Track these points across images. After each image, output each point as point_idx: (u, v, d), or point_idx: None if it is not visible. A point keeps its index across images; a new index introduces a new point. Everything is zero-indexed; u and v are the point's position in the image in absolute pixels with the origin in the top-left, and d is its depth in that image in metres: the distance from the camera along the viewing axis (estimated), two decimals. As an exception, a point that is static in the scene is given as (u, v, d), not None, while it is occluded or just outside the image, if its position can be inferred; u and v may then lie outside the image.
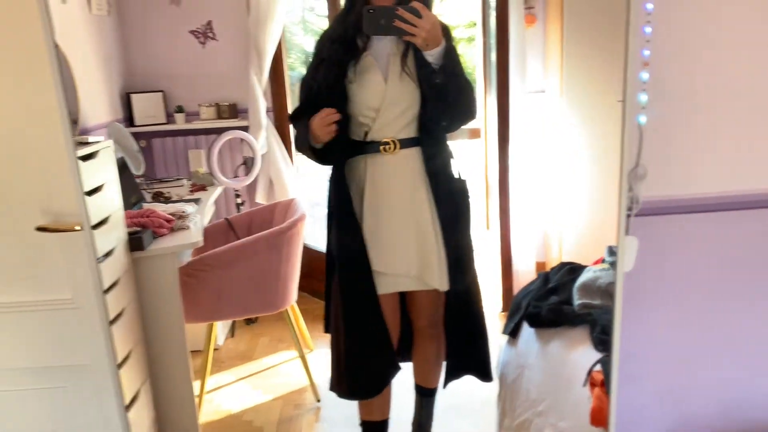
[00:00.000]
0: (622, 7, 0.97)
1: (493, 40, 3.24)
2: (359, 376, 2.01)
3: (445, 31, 1.78)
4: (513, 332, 2.09)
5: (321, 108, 1.78)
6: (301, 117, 1.89)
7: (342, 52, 1.84)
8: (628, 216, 1.07)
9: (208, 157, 3.25)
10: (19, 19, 1.31)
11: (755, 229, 1.15)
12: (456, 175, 1.97)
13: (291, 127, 2.06)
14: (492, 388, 2.24)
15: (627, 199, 1.05)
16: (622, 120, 0.97)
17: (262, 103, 3.44)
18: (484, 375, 2.06)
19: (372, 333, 1.93)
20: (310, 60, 1.97)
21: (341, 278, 1.93)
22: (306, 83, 1.94)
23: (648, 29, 1.00)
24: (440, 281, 1.89)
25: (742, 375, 1.23)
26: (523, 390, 1.87)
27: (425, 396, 2.24)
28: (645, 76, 1.02)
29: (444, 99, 1.77)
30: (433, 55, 1.73)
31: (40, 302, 1.50)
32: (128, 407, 1.99)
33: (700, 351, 1.20)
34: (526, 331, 2.00)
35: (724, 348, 1.21)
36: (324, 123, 1.77)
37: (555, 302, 1.91)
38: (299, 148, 1.97)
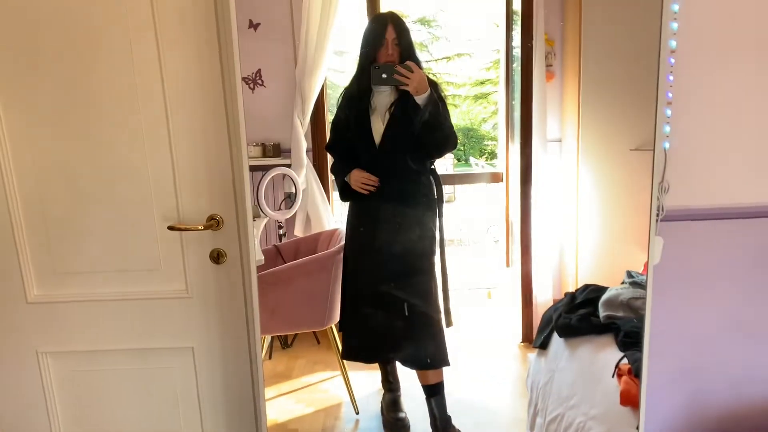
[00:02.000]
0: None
1: (517, 94, 3.60)
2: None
3: (434, 84, 2.44)
4: (543, 345, 2.35)
5: (349, 141, 2.59)
6: (334, 148, 2.71)
7: (357, 104, 2.53)
8: (656, 220, 1.37)
9: (256, 192, 3.56)
10: (212, 60, 1.65)
11: (758, 233, 1.46)
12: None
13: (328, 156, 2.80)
14: (518, 406, 2.51)
15: (656, 207, 1.35)
16: (653, 145, 1.29)
17: (303, 144, 3.78)
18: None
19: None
20: (337, 107, 2.67)
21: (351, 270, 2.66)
22: (335, 124, 2.68)
23: (671, 77, 1.32)
24: None
25: (748, 355, 1.50)
26: (555, 391, 2.12)
27: (431, 396, 2.65)
28: (668, 112, 1.34)
29: (430, 130, 2.39)
30: (421, 99, 2.37)
31: (160, 292, 1.79)
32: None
33: (713, 334, 1.48)
34: (556, 342, 2.27)
35: (733, 332, 1.48)
36: (359, 183, 2.53)
37: (582, 314, 2.19)
38: (334, 173, 2.71)
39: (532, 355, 2.53)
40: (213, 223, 1.72)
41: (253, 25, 3.84)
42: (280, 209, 3.80)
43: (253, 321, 1.82)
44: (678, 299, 1.46)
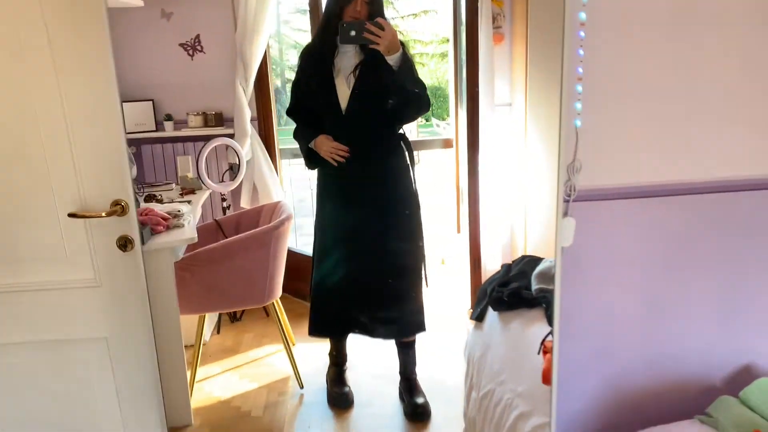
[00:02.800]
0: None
1: (464, 56, 3.51)
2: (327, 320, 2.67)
3: (403, 44, 2.26)
4: (479, 317, 2.33)
5: (312, 106, 2.46)
6: (296, 112, 2.56)
7: (320, 64, 2.36)
8: (567, 201, 1.33)
9: (196, 163, 3.45)
10: (88, 36, 1.53)
11: (669, 211, 1.42)
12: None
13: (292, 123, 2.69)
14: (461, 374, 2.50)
15: (566, 186, 1.30)
16: (560, 123, 1.23)
17: (247, 112, 3.65)
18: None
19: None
20: (297, 68, 2.53)
21: (328, 243, 2.54)
22: (295, 86, 2.53)
23: (581, 51, 1.26)
24: None
25: (664, 334, 1.49)
26: (488, 365, 2.11)
27: (406, 347, 2.71)
28: (579, 88, 1.28)
29: (403, 93, 2.26)
30: (393, 59, 2.21)
31: (67, 281, 1.71)
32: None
33: (628, 314, 1.46)
34: (491, 315, 2.25)
35: (649, 311, 1.46)
36: (330, 153, 2.40)
37: (515, 287, 2.17)
38: (297, 139, 2.57)
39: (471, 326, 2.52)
40: (117, 209, 1.63)
41: (190, -12, 3.66)
42: (222, 181, 3.70)
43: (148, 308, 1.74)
44: (594, 280, 1.43)
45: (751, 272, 1.49)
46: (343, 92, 2.36)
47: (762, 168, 1.43)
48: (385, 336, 2.68)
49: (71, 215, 1.60)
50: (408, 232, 2.54)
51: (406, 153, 2.50)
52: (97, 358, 1.79)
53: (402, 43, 2.25)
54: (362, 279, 2.53)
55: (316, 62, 2.39)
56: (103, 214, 1.61)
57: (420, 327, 2.64)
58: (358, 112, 2.37)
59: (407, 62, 2.25)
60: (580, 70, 1.28)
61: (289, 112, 2.60)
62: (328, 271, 2.57)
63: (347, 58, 2.36)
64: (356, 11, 2.25)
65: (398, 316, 2.60)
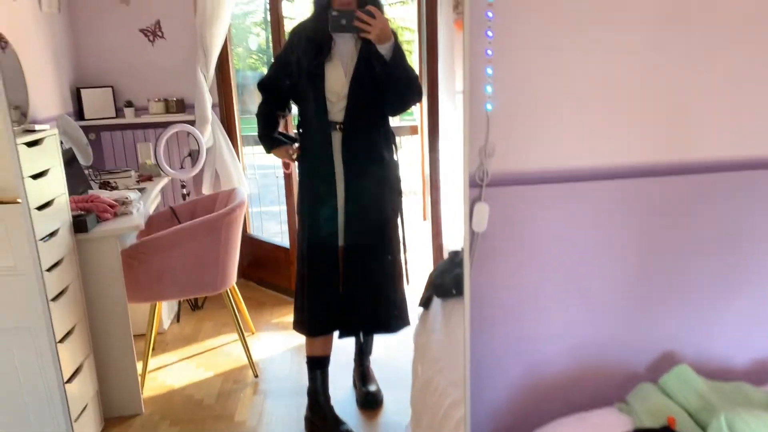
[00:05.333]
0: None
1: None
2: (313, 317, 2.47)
3: (394, 32, 2.18)
4: (426, 304, 2.31)
5: (295, 87, 2.33)
6: (269, 87, 2.45)
7: (312, 49, 2.25)
8: (480, 186, 1.31)
9: (155, 150, 3.41)
10: None
11: (588, 197, 1.40)
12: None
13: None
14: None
15: (479, 171, 1.28)
16: (464, 107, 1.20)
17: (208, 99, 3.61)
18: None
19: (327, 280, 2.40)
20: (285, 44, 2.44)
21: (311, 233, 2.39)
22: (280, 62, 2.43)
23: (490, 33, 1.23)
24: None
25: (585, 320, 1.47)
26: (429, 353, 2.10)
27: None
28: (489, 71, 1.25)
29: (395, 83, 2.20)
30: (384, 48, 2.15)
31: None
32: (70, 379, 2.16)
33: (547, 301, 1.44)
34: (436, 302, 2.23)
35: (567, 297, 1.45)
36: (284, 158, 2.49)
37: (458, 273, 2.15)
38: (258, 117, 2.49)
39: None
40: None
41: (149, -29, 3.60)
42: (182, 168, 3.66)
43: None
44: (511, 266, 1.41)
45: (669, 257, 1.47)
46: (338, 78, 2.26)
47: (679, 153, 1.41)
48: (371, 332, 2.63)
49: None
50: (393, 225, 2.49)
51: (393, 144, 2.43)
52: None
53: (393, 32, 2.19)
54: (348, 274, 2.41)
55: (310, 45, 2.27)
56: (19, 200, 1.57)
57: (405, 321, 2.55)
58: (354, 99, 2.26)
59: (399, 51, 2.19)
60: (489, 52, 1.25)
61: (261, 85, 2.47)
62: (309, 262, 2.42)
63: (344, 45, 2.26)
64: None
65: (384, 311, 2.51)
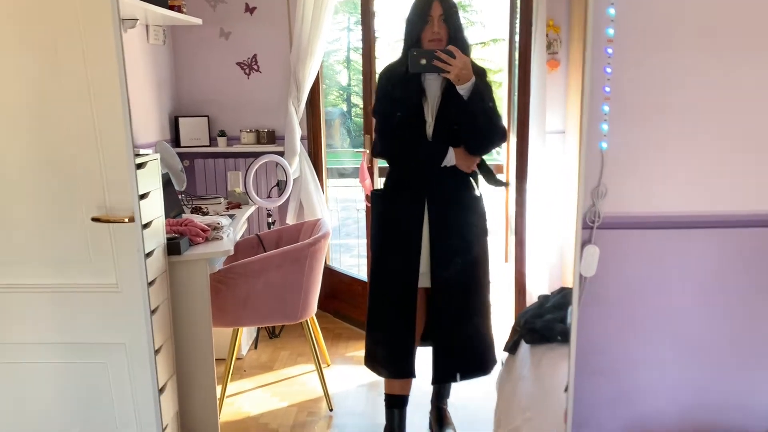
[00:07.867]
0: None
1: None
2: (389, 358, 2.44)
3: (481, 71, 2.19)
4: (512, 349, 2.23)
5: (400, 125, 2.25)
6: (384, 128, 2.34)
7: (403, 90, 2.25)
8: (591, 228, 1.24)
9: (245, 178, 3.50)
10: (98, 52, 1.59)
11: (715, 244, 1.31)
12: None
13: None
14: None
15: (590, 212, 1.22)
16: (579, 145, 1.15)
17: (297, 131, 3.69)
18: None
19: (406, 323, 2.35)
20: (377, 92, 2.41)
21: (392, 272, 2.36)
22: (381, 106, 2.35)
23: (609, 69, 1.18)
24: None
25: (699, 378, 1.36)
26: (516, 400, 2.01)
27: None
28: (606, 108, 1.20)
29: (473, 124, 2.18)
30: (464, 89, 2.14)
31: (90, 285, 1.73)
32: (159, 392, 2.19)
33: (656, 355, 1.34)
34: (524, 348, 2.14)
35: (678, 354, 1.35)
36: None
37: (549, 319, 2.06)
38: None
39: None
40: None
41: (249, 9, 3.76)
42: (270, 197, 3.73)
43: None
44: (619, 315, 1.33)
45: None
46: (428, 116, 2.27)
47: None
48: (468, 376, 2.44)
49: (95, 219, 1.63)
50: (483, 265, 2.40)
51: (476, 181, 2.38)
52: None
53: (481, 71, 2.20)
54: (437, 317, 2.35)
55: (401, 84, 2.26)
56: (126, 220, 1.62)
57: (495, 361, 2.45)
58: (442, 137, 2.26)
59: (481, 92, 2.16)
60: (608, 89, 1.20)
61: (376, 112, 2.40)
62: (386, 297, 2.39)
63: (431, 83, 2.27)
64: (434, 32, 2.18)
65: (480, 354, 2.41)
